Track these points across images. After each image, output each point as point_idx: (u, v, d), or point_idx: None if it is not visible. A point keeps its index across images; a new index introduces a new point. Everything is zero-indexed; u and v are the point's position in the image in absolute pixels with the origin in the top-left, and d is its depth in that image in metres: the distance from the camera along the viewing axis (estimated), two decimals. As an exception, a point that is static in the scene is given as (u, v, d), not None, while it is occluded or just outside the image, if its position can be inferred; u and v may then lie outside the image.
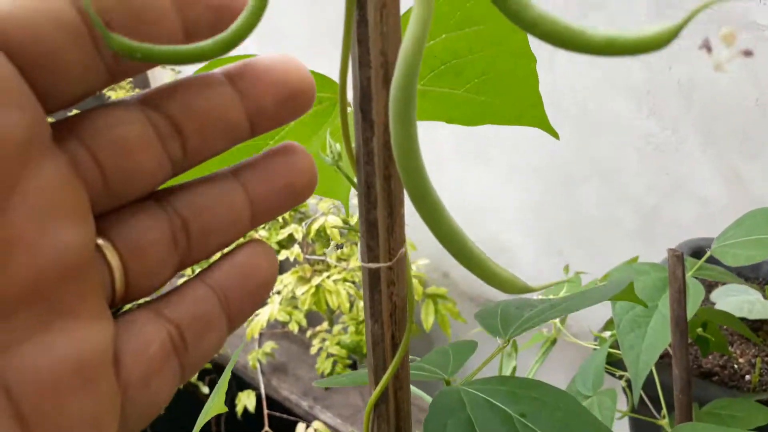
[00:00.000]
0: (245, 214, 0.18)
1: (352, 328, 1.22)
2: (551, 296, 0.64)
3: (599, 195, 1.05)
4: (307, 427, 1.12)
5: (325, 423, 1.15)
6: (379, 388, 0.22)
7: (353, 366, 1.26)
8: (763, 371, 0.66)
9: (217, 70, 0.18)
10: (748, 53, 0.15)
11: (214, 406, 0.33)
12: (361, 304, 1.15)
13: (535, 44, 0.95)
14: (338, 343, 1.20)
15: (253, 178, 0.19)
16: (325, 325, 1.25)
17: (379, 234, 0.21)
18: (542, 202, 1.14)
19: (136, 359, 0.16)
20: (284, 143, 0.19)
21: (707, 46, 0.15)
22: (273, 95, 0.17)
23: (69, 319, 0.14)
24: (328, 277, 1.05)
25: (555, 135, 0.37)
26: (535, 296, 0.67)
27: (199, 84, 0.17)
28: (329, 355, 1.21)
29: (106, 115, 0.16)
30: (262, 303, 0.20)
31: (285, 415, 1.19)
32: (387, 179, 0.20)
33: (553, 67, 1.02)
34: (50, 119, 0.15)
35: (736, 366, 0.68)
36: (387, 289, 0.21)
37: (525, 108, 0.34)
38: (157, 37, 0.15)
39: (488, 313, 0.31)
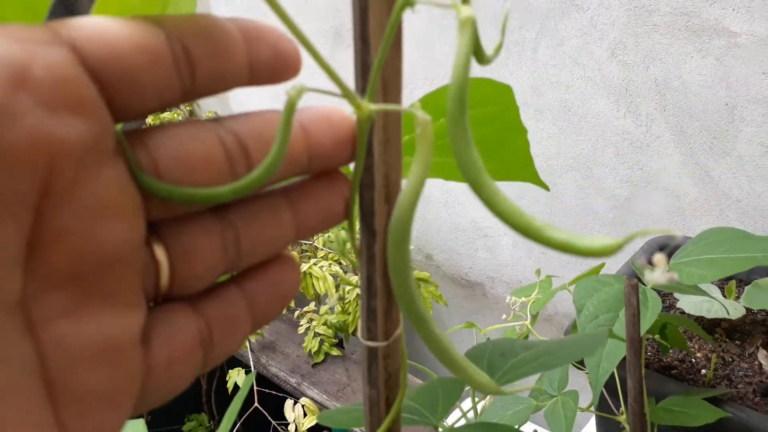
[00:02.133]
0: (290, 231, 0.20)
1: (338, 308, 1.27)
2: (524, 298, 0.68)
3: (577, 187, 1.09)
4: (295, 403, 1.18)
5: (312, 399, 1.20)
6: (375, 442, 0.26)
7: (339, 344, 1.31)
8: (717, 366, 0.72)
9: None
10: (672, 278, 0.18)
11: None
12: (348, 287, 1.20)
13: (520, 39, 0.99)
14: (325, 323, 1.25)
15: (301, 199, 0.20)
16: (312, 305, 1.29)
17: (378, 318, 0.24)
18: (521, 192, 1.18)
19: (165, 345, 0.18)
20: (333, 171, 0.21)
21: (650, 262, 0.18)
22: (331, 139, 0.20)
23: (103, 303, 0.16)
24: (315, 264, 1.09)
25: (545, 187, 0.41)
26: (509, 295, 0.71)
27: (270, 116, 0.19)
28: (316, 335, 1.26)
29: (176, 130, 0.18)
30: (282, 311, 0.23)
31: (274, 392, 1.25)
32: (386, 275, 0.23)
33: (536, 63, 1.04)
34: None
35: (693, 360, 0.73)
36: (383, 362, 0.25)
37: (517, 169, 0.38)
38: (228, 69, 0.17)
39: (476, 357, 0.35)
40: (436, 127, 0.32)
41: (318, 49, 0.18)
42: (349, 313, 1.24)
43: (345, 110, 0.21)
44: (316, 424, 1.15)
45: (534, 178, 0.38)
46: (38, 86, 0.14)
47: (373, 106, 0.19)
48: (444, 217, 1.34)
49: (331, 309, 1.27)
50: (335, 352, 1.27)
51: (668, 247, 0.86)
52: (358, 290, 1.22)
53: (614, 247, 0.16)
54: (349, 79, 0.21)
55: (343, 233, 0.27)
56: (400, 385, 0.26)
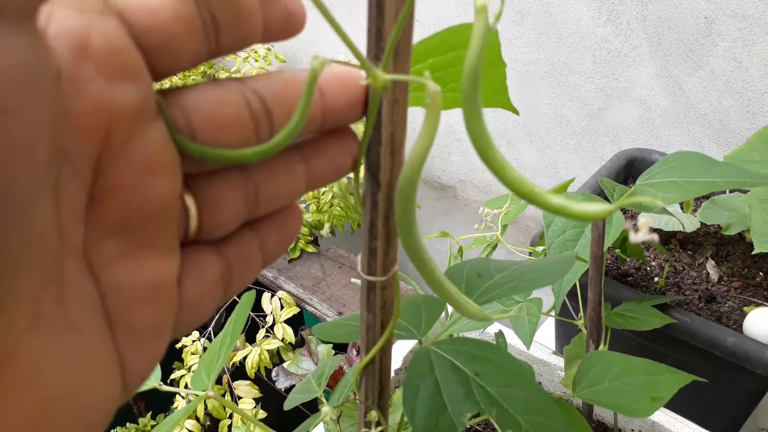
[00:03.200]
0: (302, 183, 0.22)
1: (313, 207, 1.30)
2: (496, 210, 0.72)
3: (553, 94, 1.10)
4: (272, 296, 1.24)
5: (288, 292, 1.26)
6: (369, 357, 0.29)
7: (315, 242, 1.35)
8: (669, 274, 0.77)
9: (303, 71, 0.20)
10: (653, 239, 0.20)
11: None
12: (323, 189, 1.22)
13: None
14: (300, 221, 1.29)
15: (313, 155, 0.22)
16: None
17: (378, 257, 0.26)
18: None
19: (194, 283, 0.20)
20: (343, 128, 0.23)
21: (635, 227, 0.20)
22: (344, 101, 0.22)
23: (149, 249, 0.18)
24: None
25: (515, 112, 0.42)
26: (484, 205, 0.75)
27: (287, 77, 0.21)
28: (292, 232, 1.29)
29: (208, 92, 0.19)
30: (288, 249, 0.25)
31: (251, 285, 1.30)
32: (387, 219, 0.25)
33: (520, -36, 1.01)
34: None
35: (648, 268, 0.79)
36: (380, 292, 0.28)
37: (493, 97, 0.39)
38: (247, 31, 0.19)
39: (455, 276, 0.38)
40: (423, 67, 0.33)
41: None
42: (324, 212, 1.27)
43: (356, 72, 0.22)
44: (293, 316, 1.21)
45: (507, 105, 0.41)
46: (97, 56, 0.16)
47: (387, 76, 0.20)
48: (419, 121, 1.34)
49: (306, 208, 1.30)
50: (311, 249, 1.31)
51: (636, 159, 0.90)
52: (333, 190, 1.24)
53: (605, 213, 0.18)
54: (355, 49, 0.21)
55: (344, 180, 0.29)
56: (393, 311, 0.29)
